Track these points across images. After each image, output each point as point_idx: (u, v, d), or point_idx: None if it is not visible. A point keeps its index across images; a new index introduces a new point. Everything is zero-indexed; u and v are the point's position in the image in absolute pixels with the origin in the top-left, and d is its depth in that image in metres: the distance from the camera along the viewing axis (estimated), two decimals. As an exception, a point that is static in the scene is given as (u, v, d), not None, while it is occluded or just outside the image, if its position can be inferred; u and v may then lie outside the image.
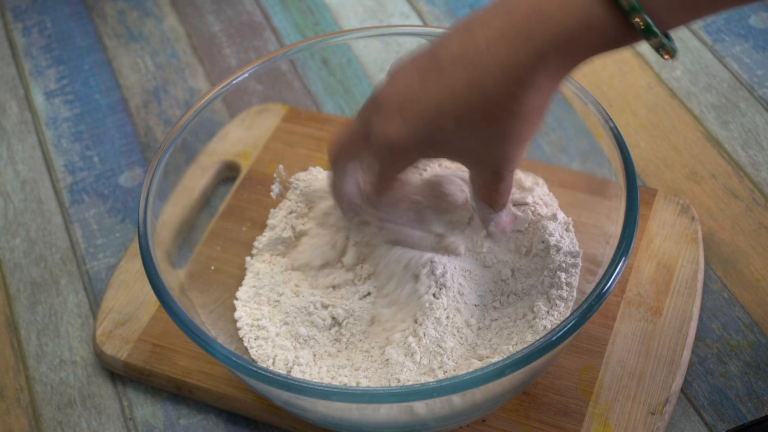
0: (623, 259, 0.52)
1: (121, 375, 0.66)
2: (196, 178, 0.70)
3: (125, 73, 0.88)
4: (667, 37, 0.49)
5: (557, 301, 0.58)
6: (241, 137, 0.76)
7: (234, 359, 0.51)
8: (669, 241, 0.67)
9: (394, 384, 0.56)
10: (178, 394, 0.64)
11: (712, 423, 0.60)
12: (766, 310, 0.65)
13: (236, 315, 0.63)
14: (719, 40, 0.83)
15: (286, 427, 0.62)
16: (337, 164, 0.61)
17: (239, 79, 0.66)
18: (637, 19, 0.46)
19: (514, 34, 0.48)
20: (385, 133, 0.53)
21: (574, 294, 0.59)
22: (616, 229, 0.55)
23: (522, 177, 0.65)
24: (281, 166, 0.71)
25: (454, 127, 0.51)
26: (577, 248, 0.61)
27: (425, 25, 0.89)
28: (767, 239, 0.68)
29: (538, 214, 0.63)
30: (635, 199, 0.55)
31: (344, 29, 0.87)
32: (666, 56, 0.49)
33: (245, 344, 0.61)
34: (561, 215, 0.63)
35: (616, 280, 0.51)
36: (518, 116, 0.50)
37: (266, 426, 0.63)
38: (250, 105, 0.78)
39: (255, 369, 0.50)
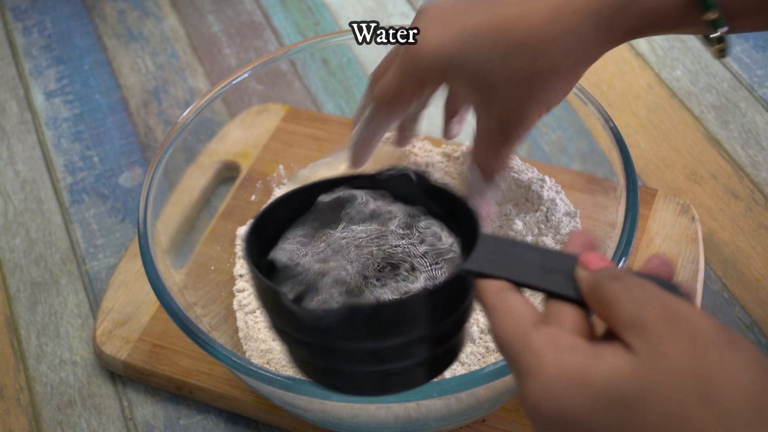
0: (623, 259, 0.52)
1: (121, 375, 0.66)
2: (196, 178, 0.70)
3: (125, 73, 0.88)
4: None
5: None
6: (241, 137, 0.76)
7: (234, 359, 0.51)
8: (669, 241, 0.67)
9: None
10: (178, 394, 0.64)
11: (712, 423, 0.60)
12: (766, 310, 0.65)
13: (236, 308, 0.63)
14: (719, 40, 0.83)
15: (286, 427, 0.62)
16: (371, 86, 0.57)
17: (239, 79, 0.66)
18: (712, 16, 0.46)
19: None
20: (423, 37, 0.51)
21: None
22: (616, 229, 0.55)
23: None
24: (281, 166, 0.71)
25: (488, 51, 0.49)
26: (572, 208, 0.61)
27: (425, 25, 0.89)
28: (767, 239, 0.68)
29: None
30: (635, 199, 0.55)
31: (344, 29, 0.87)
32: (720, 54, 0.49)
33: (243, 347, 0.61)
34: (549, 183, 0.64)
35: (616, 280, 0.51)
36: (553, 66, 0.49)
37: (266, 426, 0.63)
38: (250, 105, 0.78)
39: (255, 369, 0.50)
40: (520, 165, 0.65)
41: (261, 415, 0.62)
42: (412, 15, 0.90)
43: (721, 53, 0.49)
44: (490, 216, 0.59)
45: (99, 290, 0.71)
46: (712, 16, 0.47)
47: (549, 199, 0.62)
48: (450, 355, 0.42)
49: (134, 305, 0.67)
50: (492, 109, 0.52)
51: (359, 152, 0.60)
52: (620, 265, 0.52)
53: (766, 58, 0.81)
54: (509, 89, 0.50)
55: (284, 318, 0.40)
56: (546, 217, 0.61)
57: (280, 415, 0.61)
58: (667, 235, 0.67)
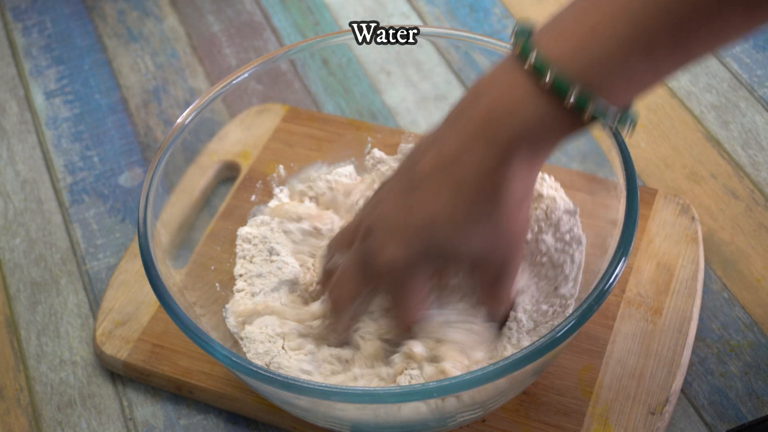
0: (623, 259, 0.52)
1: (121, 375, 0.66)
2: (196, 178, 0.70)
3: (125, 73, 0.88)
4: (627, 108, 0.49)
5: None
6: (241, 137, 0.76)
7: (234, 359, 0.51)
8: (669, 241, 0.67)
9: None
10: (178, 394, 0.64)
11: (712, 423, 0.60)
12: (766, 310, 0.65)
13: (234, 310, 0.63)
14: (719, 40, 0.83)
15: (286, 427, 0.62)
16: (342, 309, 0.59)
17: (239, 79, 0.66)
18: (588, 115, 0.47)
19: (477, 142, 0.50)
20: (385, 260, 0.53)
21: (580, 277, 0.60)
22: (616, 229, 0.55)
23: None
24: (281, 166, 0.71)
25: (449, 237, 0.52)
26: (572, 206, 0.62)
27: (425, 25, 0.89)
28: (767, 239, 0.68)
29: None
30: (635, 199, 0.55)
31: (344, 29, 0.87)
32: (625, 135, 0.51)
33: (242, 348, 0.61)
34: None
35: (616, 280, 0.51)
36: (504, 214, 0.51)
37: (266, 426, 0.63)
38: (250, 105, 0.78)
39: (255, 369, 0.50)
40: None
41: (261, 415, 0.62)
42: (412, 15, 0.90)
43: (628, 130, 0.50)
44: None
45: (99, 290, 0.71)
46: (570, 101, 0.46)
47: (549, 196, 0.62)
48: None
49: (134, 305, 0.67)
50: (477, 270, 0.55)
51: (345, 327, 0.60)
52: (620, 265, 0.52)
53: (766, 58, 0.81)
54: (481, 250, 0.53)
55: None
56: (546, 214, 0.61)
57: (280, 415, 0.61)
58: (667, 235, 0.67)
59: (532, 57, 0.47)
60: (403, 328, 0.58)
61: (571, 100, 0.46)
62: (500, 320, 0.59)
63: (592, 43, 0.46)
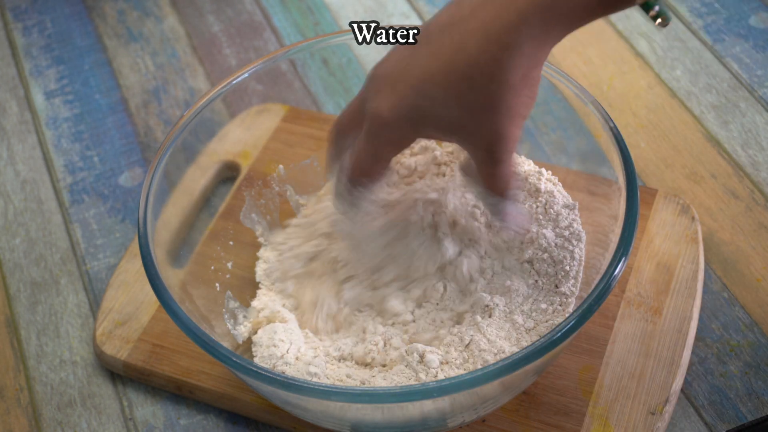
0: (623, 259, 0.52)
1: (121, 375, 0.66)
2: (196, 178, 0.70)
3: (125, 73, 0.88)
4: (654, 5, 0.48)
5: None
6: (241, 137, 0.76)
7: (234, 359, 0.51)
8: (669, 241, 0.67)
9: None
10: (178, 394, 0.64)
11: (712, 423, 0.60)
12: (766, 310, 0.65)
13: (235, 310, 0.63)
14: (719, 40, 0.83)
15: (286, 427, 0.62)
16: (336, 139, 0.59)
17: (239, 79, 0.66)
18: None
19: (493, 1, 0.48)
20: (378, 109, 0.52)
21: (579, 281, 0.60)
22: (616, 229, 0.55)
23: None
24: (281, 166, 0.71)
25: (442, 96, 0.50)
26: (570, 200, 0.61)
27: (425, 25, 0.89)
28: (767, 239, 0.68)
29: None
30: (635, 199, 0.55)
31: (344, 29, 0.87)
32: (659, 23, 0.48)
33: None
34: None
35: (616, 280, 0.51)
36: (504, 84, 0.49)
37: (266, 426, 0.63)
38: (250, 105, 0.78)
39: (255, 369, 0.50)
40: (515, 158, 0.65)
41: (261, 415, 0.62)
42: (413, 15, 0.90)
43: (661, 20, 0.48)
44: (524, 227, 0.60)
45: (99, 290, 0.71)
46: None
47: (546, 191, 0.62)
48: None
49: (134, 305, 0.67)
50: (472, 143, 0.53)
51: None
52: (620, 265, 0.52)
53: (766, 58, 0.81)
54: (477, 122, 0.51)
55: None
56: (545, 209, 0.61)
57: (280, 415, 0.61)
58: (667, 235, 0.67)
59: None
60: (362, 180, 0.57)
61: None
62: (512, 197, 0.56)
63: None
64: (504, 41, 0.48)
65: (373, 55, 0.85)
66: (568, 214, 0.61)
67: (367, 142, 0.55)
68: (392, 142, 0.54)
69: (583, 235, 0.60)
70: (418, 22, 0.89)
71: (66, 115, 0.85)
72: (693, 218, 0.67)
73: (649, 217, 0.68)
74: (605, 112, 0.59)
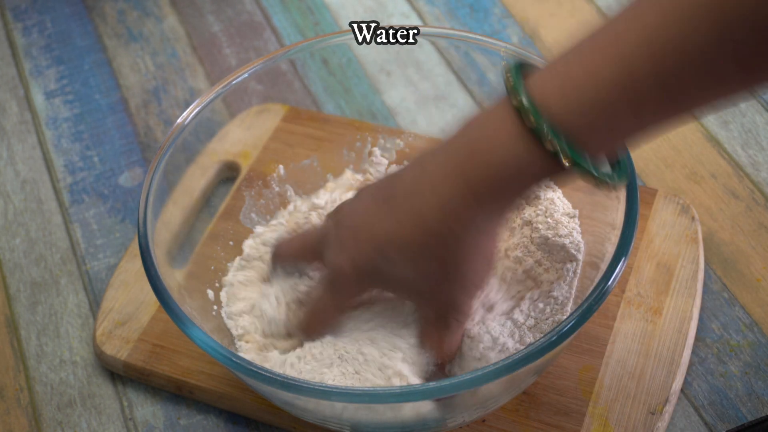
0: (623, 259, 0.52)
1: (121, 375, 0.66)
2: (196, 178, 0.70)
3: (125, 73, 0.88)
4: (619, 164, 0.48)
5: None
6: (241, 137, 0.76)
7: (234, 359, 0.51)
8: (669, 241, 0.67)
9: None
10: (178, 394, 0.64)
11: (712, 423, 0.60)
12: (766, 310, 0.65)
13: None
14: (719, 40, 0.83)
15: (286, 427, 0.62)
16: (276, 262, 0.62)
17: (239, 79, 0.66)
18: (567, 161, 0.45)
19: (453, 173, 0.49)
20: (341, 263, 0.54)
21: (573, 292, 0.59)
22: (616, 229, 0.55)
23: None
24: (281, 166, 0.71)
25: (401, 261, 0.52)
26: (571, 208, 0.61)
27: (425, 25, 0.89)
28: (767, 239, 0.68)
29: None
30: (635, 199, 0.55)
31: (344, 29, 0.87)
32: (606, 188, 0.49)
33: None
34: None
35: (616, 280, 0.51)
36: (458, 256, 0.51)
37: (266, 426, 0.63)
38: (250, 105, 0.78)
39: (255, 369, 0.50)
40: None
41: (261, 415, 0.62)
42: (412, 15, 0.90)
43: (610, 185, 0.48)
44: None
45: (99, 290, 0.71)
46: (550, 145, 0.45)
47: (547, 198, 0.62)
48: None
49: (134, 305, 0.67)
50: (425, 305, 0.55)
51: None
52: (620, 265, 0.52)
53: (766, 58, 0.81)
54: (431, 288, 0.53)
55: None
56: (545, 217, 0.61)
57: (280, 415, 0.61)
58: (667, 235, 0.67)
59: (517, 96, 0.46)
60: (311, 328, 0.58)
61: (549, 138, 0.45)
62: (437, 366, 0.57)
63: (578, 87, 0.45)
64: (460, 217, 0.49)
65: (373, 55, 0.85)
66: (569, 221, 0.61)
67: (326, 292, 0.57)
68: (351, 293, 0.57)
69: (583, 245, 0.60)
70: (418, 22, 0.89)
71: (66, 115, 0.85)
72: (693, 218, 0.67)
73: (649, 217, 0.68)
74: (605, 112, 0.59)
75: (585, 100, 0.45)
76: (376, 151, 0.71)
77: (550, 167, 0.46)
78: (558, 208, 0.62)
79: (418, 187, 0.51)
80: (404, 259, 0.52)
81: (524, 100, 0.46)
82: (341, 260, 0.54)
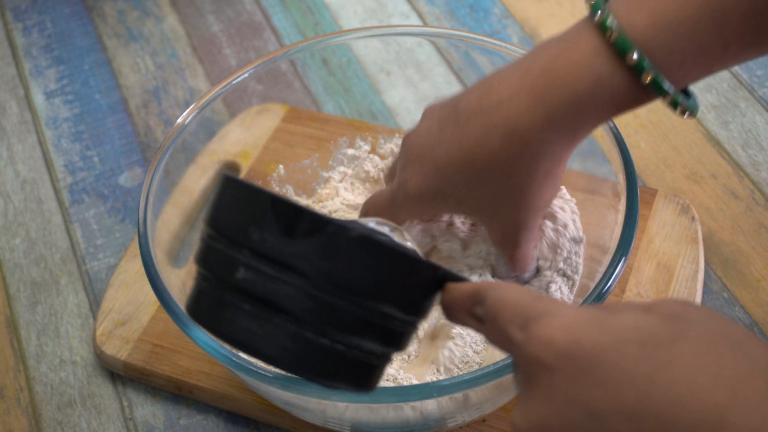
0: (623, 259, 0.52)
1: (121, 375, 0.66)
2: (196, 178, 0.70)
3: (125, 73, 0.88)
4: (687, 93, 0.48)
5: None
6: (241, 137, 0.76)
7: (234, 359, 0.51)
8: (669, 241, 0.67)
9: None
10: (178, 394, 0.64)
11: (712, 423, 0.60)
12: (766, 310, 0.65)
13: None
14: (719, 40, 0.83)
15: (286, 427, 0.62)
16: (387, 181, 0.62)
17: (239, 79, 0.66)
18: (648, 77, 0.45)
19: (525, 94, 0.48)
20: (405, 183, 0.54)
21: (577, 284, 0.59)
22: (616, 229, 0.55)
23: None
24: (281, 166, 0.71)
25: (464, 184, 0.51)
26: (575, 207, 0.61)
27: (425, 25, 0.89)
28: (767, 239, 0.68)
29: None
30: (635, 199, 0.55)
31: (344, 29, 0.87)
32: (684, 115, 0.47)
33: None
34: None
35: (616, 280, 0.51)
36: (525, 181, 0.50)
37: (266, 426, 0.63)
38: (250, 105, 0.78)
39: (255, 369, 0.50)
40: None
41: (261, 415, 0.62)
42: (413, 15, 0.90)
43: (689, 113, 0.48)
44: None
45: (99, 290, 0.71)
46: (633, 58, 0.45)
47: (563, 222, 0.62)
48: (379, 366, 0.41)
49: (134, 305, 0.67)
50: (491, 225, 0.55)
51: None
52: (620, 265, 0.52)
53: (766, 58, 0.81)
54: (496, 209, 0.52)
55: (264, 228, 0.38)
56: (556, 234, 0.61)
57: (280, 415, 0.61)
58: (667, 235, 0.67)
59: (600, 13, 0.45)
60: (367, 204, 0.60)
61: (634, 57, 0.44)
62: (522, 281, 0.58)
63: (664, 8, 0.44)
64: (528, 140, 0.48)
65: (373, 55, 0.85)
66: (572, 246, 0.61)
67: (398, 207, 0.57)
68: (415, 213, 0.57)
69: (581, 268, 0.60)
70: (418, 22, 0.89)
71: (66, 115, 0.85)
72: (693, 218, 0.67)
73: (649, 217, 0.68)
74: (605, 112, 0.59)
75: (671, 19, 0.44)
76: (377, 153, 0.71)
77: (628, 86, 0.46)
78: (569, 232, 0.61)
79: (483, 108, 0.49)
80: (467, 183, 0.51)
81: (608, 16, 0.45)
82: (406, 181, 0.54)
